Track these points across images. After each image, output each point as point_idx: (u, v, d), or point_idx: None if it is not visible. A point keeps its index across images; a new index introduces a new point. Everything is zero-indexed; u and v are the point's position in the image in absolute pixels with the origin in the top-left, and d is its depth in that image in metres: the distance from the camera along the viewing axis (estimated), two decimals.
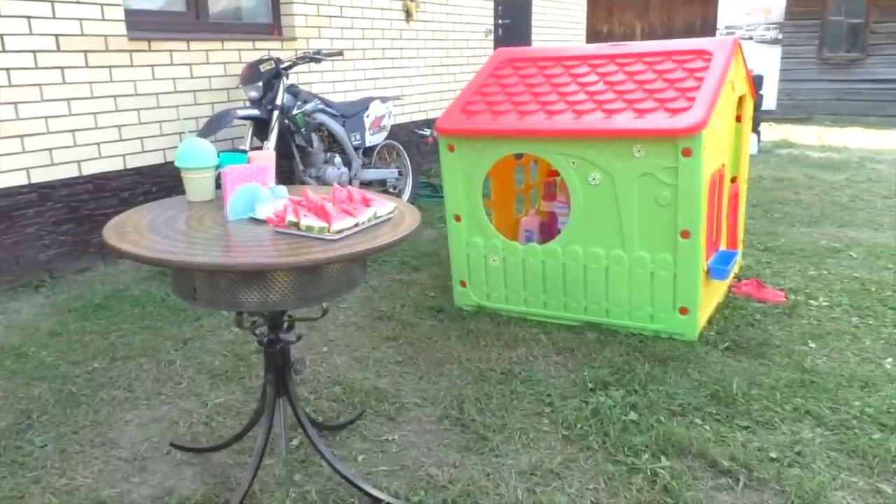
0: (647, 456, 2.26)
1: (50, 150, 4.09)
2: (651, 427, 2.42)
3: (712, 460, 2.23)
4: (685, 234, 2.99)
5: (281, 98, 4.74)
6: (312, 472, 2.22)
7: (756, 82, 8.13)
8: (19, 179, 3.97)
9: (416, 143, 7.02)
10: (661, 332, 3.14)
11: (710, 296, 3.33)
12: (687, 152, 2.88)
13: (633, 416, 2.49)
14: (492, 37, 8.63)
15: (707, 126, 2.86)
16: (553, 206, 3.94)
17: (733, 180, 3.71)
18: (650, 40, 3.60)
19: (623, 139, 2.99)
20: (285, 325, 2.08)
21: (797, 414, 2.51)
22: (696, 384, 2.71)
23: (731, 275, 3.67)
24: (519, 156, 3.88)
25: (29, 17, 3.92)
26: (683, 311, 3.07)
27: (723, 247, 3.52)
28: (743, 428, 2.42)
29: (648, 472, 2.18)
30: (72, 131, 4.18)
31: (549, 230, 3.98)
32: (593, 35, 14.17)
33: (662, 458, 2.25)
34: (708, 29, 13.48)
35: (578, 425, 2.44)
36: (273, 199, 1.93)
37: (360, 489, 2.08)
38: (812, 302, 3.56)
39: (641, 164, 2.99)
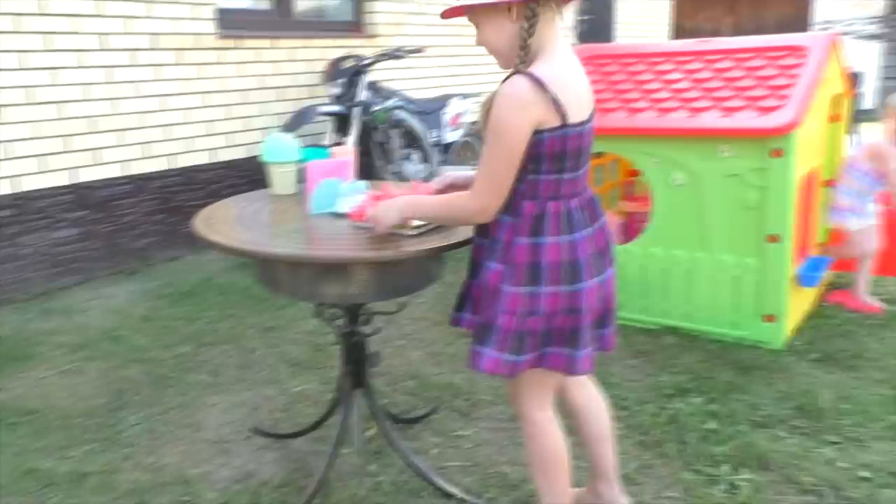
0: (726, 467, 2.19)
1: (144, 143, 4.30)
2: (732, 437, 2.34)
3: (797, 476, 2.14)
4: (773, 239, 2.87)
5: (362, 95, 4.82)
6: (386, 463, 2.25)
7: (854, 80, 7.74)
8: (117, 171, 4.19)
9: None
10: (744, 340, 3.03)
11: (799, 303, 3.19)
12: (777, 153, 2.77)
13: (712, 424, 2.41)
14: (573, 34, 8.53)
15: (800, 126, 2.74)
16: None
17: (828, 183, 3.55)
18: (739, 36, 3.48)
19: (708, 139, 2.90)
20: (363, 318, 2.12)
21: (892, 432, 2.37)
22: (782, 395, 2.61)
23: (822, 282, 3.51)
24: (599, 154, 3.82)
25: (126, 17, 4.13)
26: (769, 318, 2.96)
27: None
28: (831, 444, 2.31)
29: (728, 484, 2.11)
30: (164, 126, 4.38)
31: (628, 231, 3.90)
32: (679, 31, 13.79)
33: (743, 470, 2.17)
34: (802, 24, 12.90)
35: (655, 431, 2.39)
36: (353, 194, 1.97)
37: (433, 483, 2.10)
38: None
39: (728, 164, 2.90)
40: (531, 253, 1.52)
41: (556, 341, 1.57)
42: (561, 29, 1.53)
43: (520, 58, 1.48)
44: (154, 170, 4.36)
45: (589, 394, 1.86)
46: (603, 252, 1.62)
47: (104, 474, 2.23)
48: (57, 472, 2.23)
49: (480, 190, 1.50)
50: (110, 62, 4.07)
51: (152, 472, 2.24)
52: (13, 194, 3.73)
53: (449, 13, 1.59)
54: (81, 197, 4.02)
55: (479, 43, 1.59)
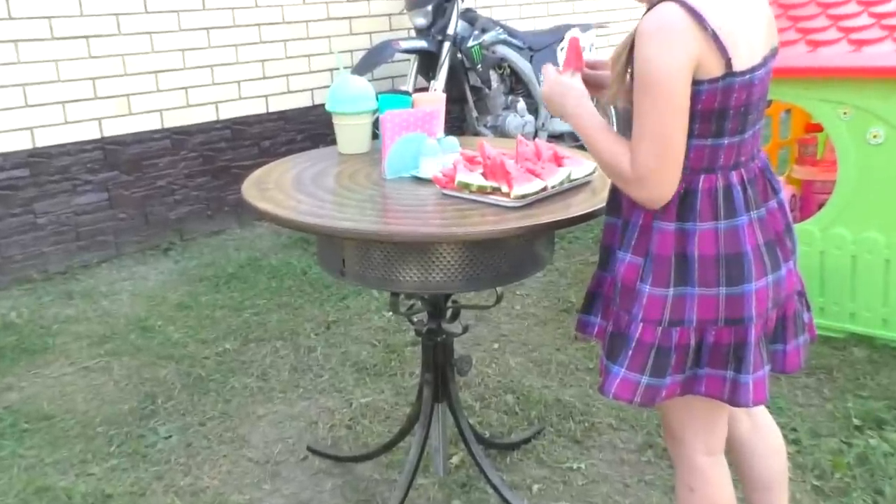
0: None
1: (186, 88, 4.44)
2: None
3: None
4: None
5: (454, 26, 4.81)
6: (475, 499, 2.26)
7: None
8: (152, 123, 4.35)
9: None
10: None
11: None
12: None
13: None
14: None
15: None
16: None
17: None
18: None
19: None
20: (449, 312, 2.12)
21: None
22: None
23: None
24: (767, 104, 3.68)
25: None
26: None
27: None
28: None
29: None
30: (210, 66, 4.51)
31: (804, 205, 3.75)
32: None
33: None
34: None
35: (836, 475, 2.30)
36: (441, 154, 1.96)
37: None
38: None
39: None
40: (677, 242, 1.44)
41: (713, 361, 1.48)
42: None
43: None
44: (195, 121, 4.50)
45: (758, 424, 1.74)
46: (779, 240, 1.52)
47: (131, 496, 2.33)
48: (75, 492, 2.34)
49: (639, 155, 1.38)
50: None
51: (189, 497, 2.33)
52: (29, 150, 3.93)
53: None
54: (109, 154, 4.20)
55: None
